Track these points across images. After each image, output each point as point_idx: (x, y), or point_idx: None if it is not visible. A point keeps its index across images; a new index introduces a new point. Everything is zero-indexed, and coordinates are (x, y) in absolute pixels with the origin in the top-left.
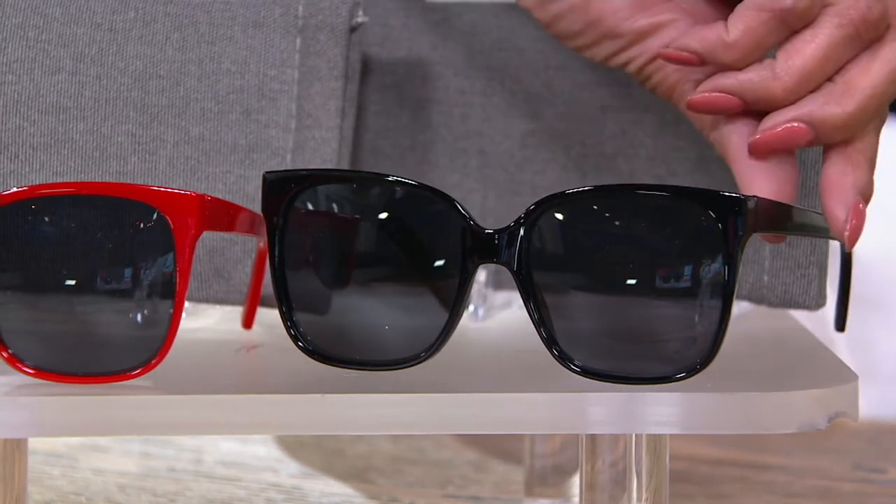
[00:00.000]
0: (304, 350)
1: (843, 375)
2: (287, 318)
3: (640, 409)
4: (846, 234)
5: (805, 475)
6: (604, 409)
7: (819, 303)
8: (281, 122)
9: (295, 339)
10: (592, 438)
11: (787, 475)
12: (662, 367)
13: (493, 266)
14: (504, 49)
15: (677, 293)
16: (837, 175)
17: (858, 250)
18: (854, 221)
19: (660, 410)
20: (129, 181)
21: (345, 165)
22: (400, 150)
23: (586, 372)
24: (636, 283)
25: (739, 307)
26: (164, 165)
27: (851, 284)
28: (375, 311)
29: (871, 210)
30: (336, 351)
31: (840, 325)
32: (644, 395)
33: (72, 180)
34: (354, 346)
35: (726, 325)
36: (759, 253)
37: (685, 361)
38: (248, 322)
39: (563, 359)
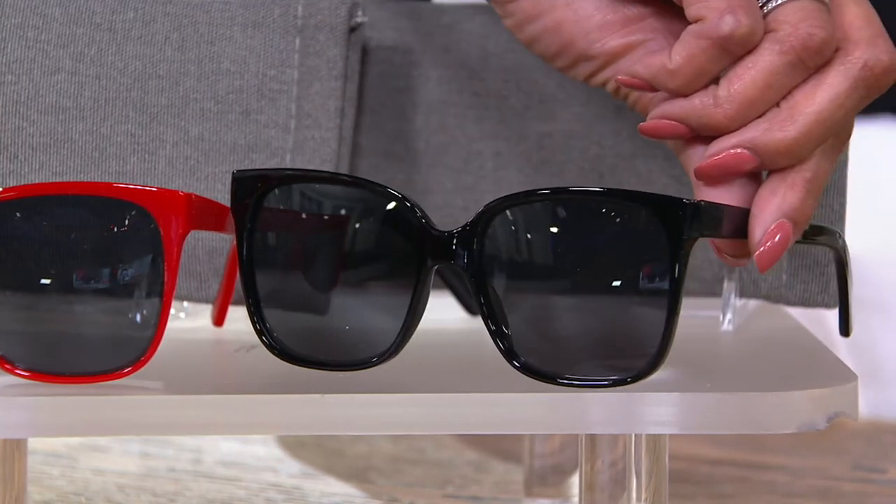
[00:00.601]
0: (269, 347)
1: (842, 375)
2: (254, 315)
3: (640, 410)
4: (756, 253)
5: (805, 475)
6: (603, 409)
7: (837, 300)
8: (280, 122)
9: (260, 333)
10: (592, 438)
11: (786, 475)
12: (606, 371)
13: None
14: (517, 50)
15: (624, 296)
16: (766, 194)
17: (859, 252)
18: (768, 243)
19: (659, 410)
20: (128, 181)
21: (344, 166)
22: (414, 154)
23: (527, 370)
24: (584, 285)
25: (745, 306)
26: (164, 165)
27: (851, 288)
28: (337, 311)
29: (871, 212)
30: (299, 350)
31: (844, 329)
32: (643, 396)
33: (71, 180)
34: (317, 345)
35: (672, 330)
36: None
37: (630, 366)
38: (219, 319)
39: (509, 355)
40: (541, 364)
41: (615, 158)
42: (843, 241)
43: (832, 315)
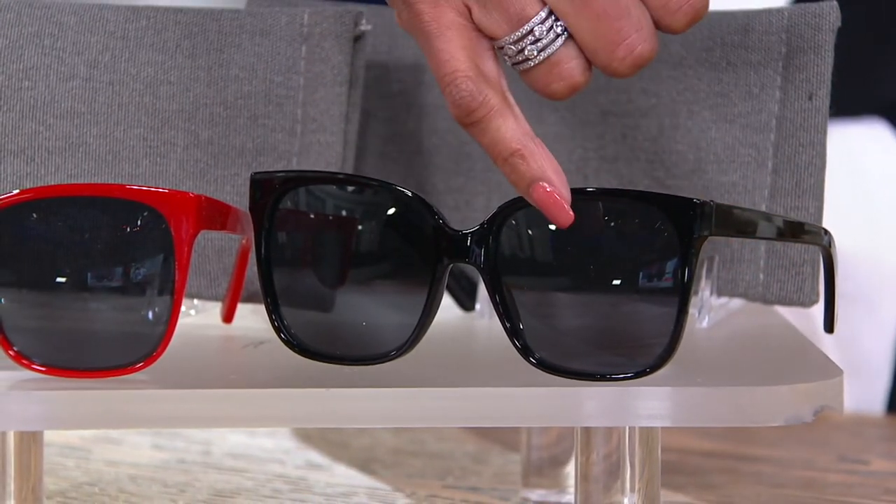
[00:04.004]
0: (287, 343)
1: (828, 370)
2: (272, 311)
3: (633, 403)
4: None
5: (791, 466)
6: (598, 403)
7: (812, 299)
8: (287, 126)
9: (278, 330)
10: (587, 431)
11: (774, 466)
12: (621, 365)
13: None
14: None
15: (636, 294)
16: None
17: (844, 249)
18: None
19: (652, 404)
20: (140, 183)
21: (349, 169)
22: (407, 155)
23: (543, 365)
24: (597, 283)
25: (726, 304)
26: (175, 168)
27: (836, 283)
28: (353, 308)
29: (856, 210)
30: (315, 344)
31: (829, 326)
32: (637, 390)
33: (85, 182)
34: (334, 341)
35: (682, 326)
36: (754, 252)
37: (644, 360)
38: (228, 316)
39: (525, 352)
40: (556, 360)
41: (599, 161)
42: (830, 239)
43: (818, 311)
